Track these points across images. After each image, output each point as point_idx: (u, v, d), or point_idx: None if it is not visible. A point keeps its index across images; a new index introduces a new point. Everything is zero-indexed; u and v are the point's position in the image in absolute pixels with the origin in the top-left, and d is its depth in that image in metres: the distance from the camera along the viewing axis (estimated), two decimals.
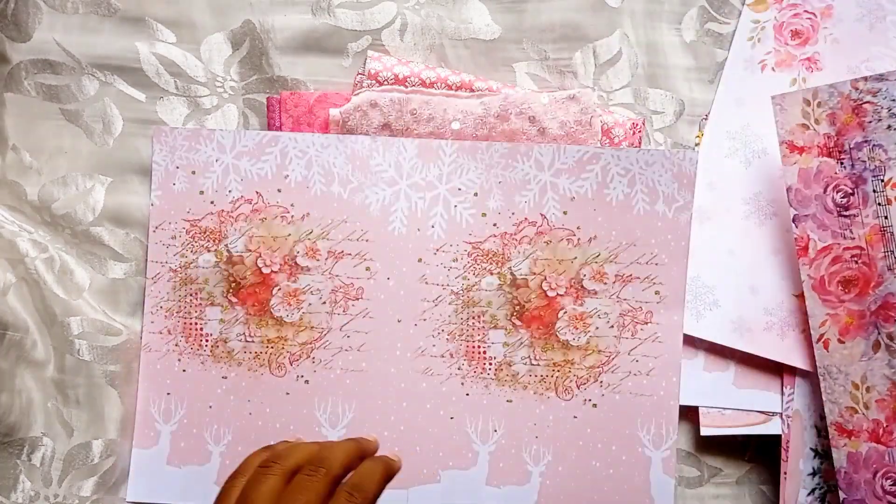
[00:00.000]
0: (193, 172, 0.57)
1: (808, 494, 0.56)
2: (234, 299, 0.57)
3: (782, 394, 0.57)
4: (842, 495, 0.53)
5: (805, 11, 0.59)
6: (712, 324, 0.57)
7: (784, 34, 0.59)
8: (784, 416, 0.56)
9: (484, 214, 0.56)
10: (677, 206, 0.56)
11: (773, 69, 0.59)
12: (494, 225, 0.56)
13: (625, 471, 0.55)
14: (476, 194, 0.56)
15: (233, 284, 0.57)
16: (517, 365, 0.56)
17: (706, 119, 0.59)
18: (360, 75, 0.58)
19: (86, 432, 0.56)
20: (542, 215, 0.56)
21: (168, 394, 0.57)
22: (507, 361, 0.56)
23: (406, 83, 0.57)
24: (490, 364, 0.56)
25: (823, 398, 0.54)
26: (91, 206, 0.58)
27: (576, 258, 0.56)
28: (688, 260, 0.56)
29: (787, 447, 0.56)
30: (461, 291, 0.56)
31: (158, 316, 0.57)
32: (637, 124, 0.58)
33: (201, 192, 0.57)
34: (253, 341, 0.57)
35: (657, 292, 0.56)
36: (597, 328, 0.56)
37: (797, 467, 0.56)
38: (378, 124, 0.56)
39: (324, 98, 0.57)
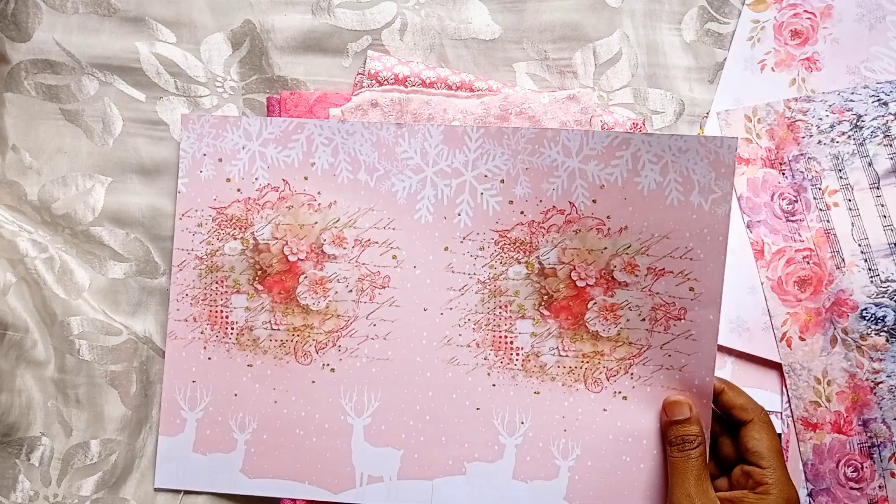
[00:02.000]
0: (220, 160, 0.56)
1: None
2: (260, 287, 0.56)
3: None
4: (809, 487, 0.55)
5: (805, 11, 0.59)
6: None
7: (784, 34, 0.59)
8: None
9: (511, 202, 0.55)
10: (714, 197, 0.52)
11: (772, 69, 0.59)
12: (522, 213, 0.55)
13: (656, 466, 0.54)
14: (503, 181, 0.55)
15: (259, 272, 0.56)
16: (545, 356, 0.55)
17: (706, 118, 0.59)
18: (360, 75, 0.58)
19: (85, 432, 0.56)
20: (570, 203, 0.54)
21: (193, 381, 0.57)
22: (534, 352, 0.55)
23: (406, 83, 0.57)
24: (517, 354, 0.55)
25: (789, 394, 0.56)
26: (91, 206, 0.58)
27: (606, 248, 0.54)
28: (726, 257, 0.53)
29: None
30: (488, 280, 0.55)
31: (184, 303, 0.57)
32: (637, 124, 0.58)
33: (228, 180, 0.56)
34: (279, 329, 0.56)
35: (692, 289, 0.53)
36: (628, 320, 0.54)
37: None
38: None
39: (324, 98, 0.57)
